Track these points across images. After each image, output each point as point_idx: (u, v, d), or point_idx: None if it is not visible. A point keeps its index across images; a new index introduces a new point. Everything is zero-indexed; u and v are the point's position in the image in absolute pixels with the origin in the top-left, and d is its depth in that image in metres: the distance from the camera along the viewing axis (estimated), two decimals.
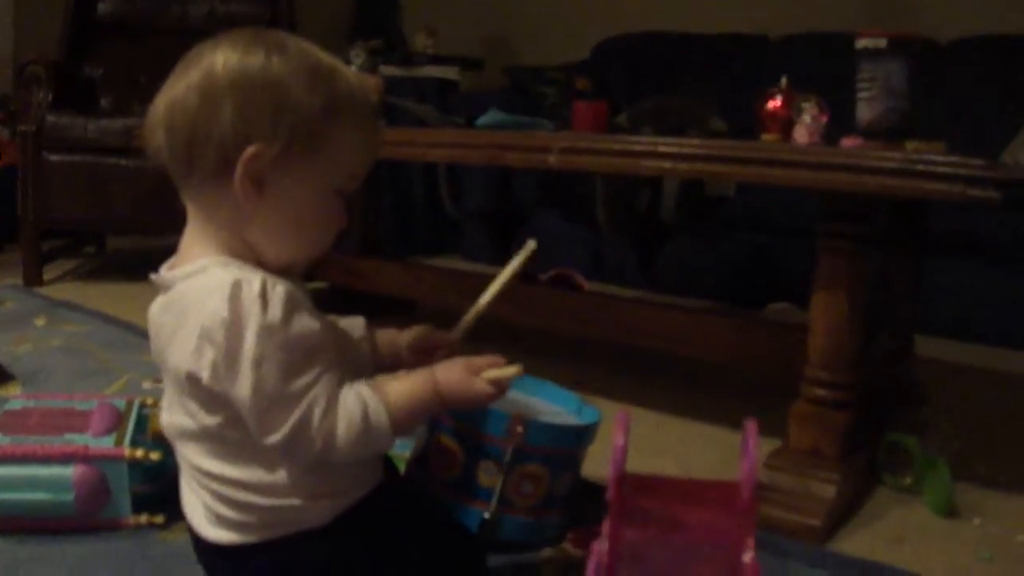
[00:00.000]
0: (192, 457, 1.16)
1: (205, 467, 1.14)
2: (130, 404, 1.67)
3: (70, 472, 1.48)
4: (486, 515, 1.36)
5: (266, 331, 1.04)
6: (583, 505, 1.48)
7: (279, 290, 1.06)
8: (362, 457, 1.15)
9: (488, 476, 1.36)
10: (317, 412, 1.07)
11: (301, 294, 1.12)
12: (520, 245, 1.42)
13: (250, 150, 1.08)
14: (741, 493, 0.84)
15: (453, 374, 1.19)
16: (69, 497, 1.47)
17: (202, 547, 1.20)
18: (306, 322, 1.08)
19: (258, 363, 1.04)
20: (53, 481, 1.48)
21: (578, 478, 1.48)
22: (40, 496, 1.48)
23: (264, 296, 1.05)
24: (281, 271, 1.14)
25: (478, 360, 1.20)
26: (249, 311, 1.04)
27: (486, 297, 1.40)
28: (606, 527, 0.90)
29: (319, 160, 1.13)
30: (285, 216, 1.14)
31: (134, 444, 1.51)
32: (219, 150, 1.09)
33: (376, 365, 1.38)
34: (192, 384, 1.08)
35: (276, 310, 1.05)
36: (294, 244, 1.17)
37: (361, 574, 1.18)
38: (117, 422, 1.59)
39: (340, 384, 1.11)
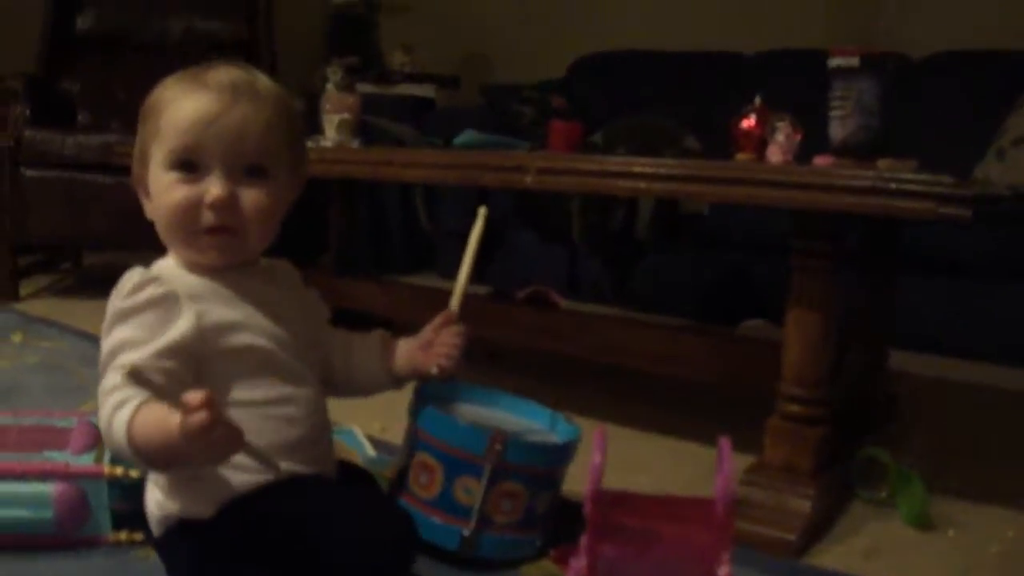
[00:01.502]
0: None
1: None
2: None
3: (50, 489, 1.48)
4: (465, 532, 1.37)
5: (114, 313, 1.19)
6: (564, 523, 1.49)
7: (147, 291, 1.19)
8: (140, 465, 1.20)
9: (467, 494, 1.37)
10: (102, 392, 1.14)
11: (189, 290, 1.24)
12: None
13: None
14: (716, 509, 0.86)
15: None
16: (49, 514, 1.47)
17: None
18: (139, 326, 1.18)
19: (105, 331, 1.19)
20: (32, 498, 1.48)
21: (558, 496, 1.49)
22: (19, 513, 1.47)
23: (131, 286, 1.20)
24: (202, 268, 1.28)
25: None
26: (115, 293, 1.20)
27: (464, 271, 1.49)
28: (584, 543, 0.92)
29: (157, 138, 1.26)
30: (156, 211, 1.29)
31: (113, 462, 1.51)
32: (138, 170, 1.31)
33: (394, 376, 1.46)
34: None
35: (128, 302, 1.18)
36: (169, 236, 1.29)
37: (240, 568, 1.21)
38: (96, 440, 1.59)
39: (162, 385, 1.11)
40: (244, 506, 1.20)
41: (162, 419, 1.04)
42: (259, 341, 1.26)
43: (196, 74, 1.26)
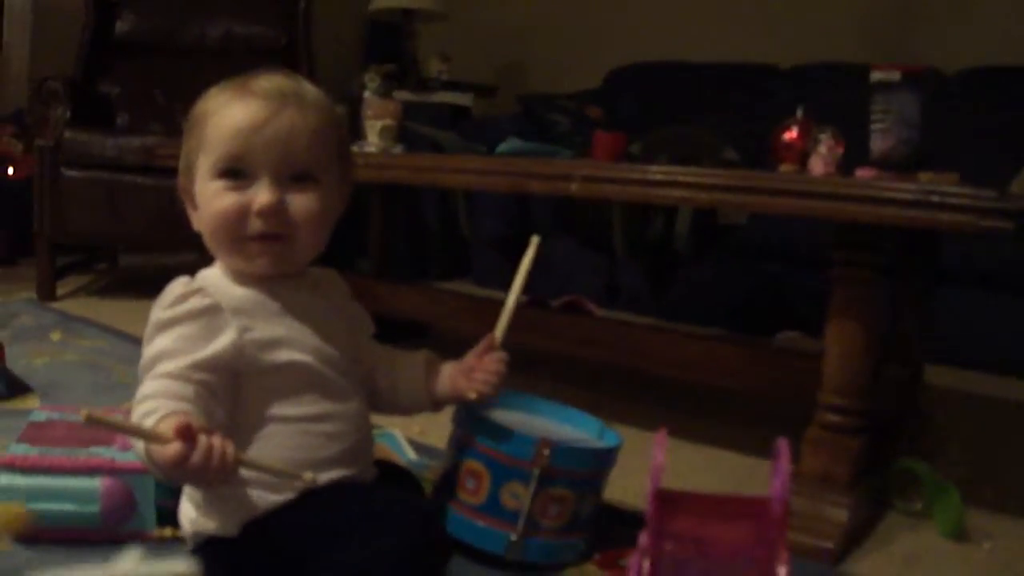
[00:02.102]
0: None
1: None
2: None
3: (97, 484, 1.50)
4: (512, 537, 1.38)
5: (156, 322, 1.19)
6: (608, 527, 1.50)
7: (191, 302, 1.20)
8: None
9: (514, 499, 1.38)
10: (136, 400, 1.13)
11: (234, 302, 1.23)
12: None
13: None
14: (773, 508, 0.87)
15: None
16: (95, 509, 1.48)
17: None
18: (179, 337, 1.18)
19: (146, 339, 1.20)
20: (80, 493, 1.49)
21: (600, 500, 1.50)
22: (67, 507, 1.49)
23: (175, 296, 1.21)
24: (250, 278, 1.27)
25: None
26: (159, 302, 1.21)
27: (511, 297, 1.44)
28: (643, 542, 0.93)
29: (204, 149, 1.26)
30: (203, 222, 1.28)
31: None
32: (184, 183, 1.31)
33: (435, 400, 1.45)
34: None
35: (170, 312, 1.19)
36: (216, 246, 1.28)
37: None
38: None
39: (196, 397, 1.13)
40: (267, 525, 1.20)
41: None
42: (302, 357, 1.25)
43: (241, 82, 1.26)
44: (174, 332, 1.18)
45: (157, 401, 1.10)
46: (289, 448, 1.19)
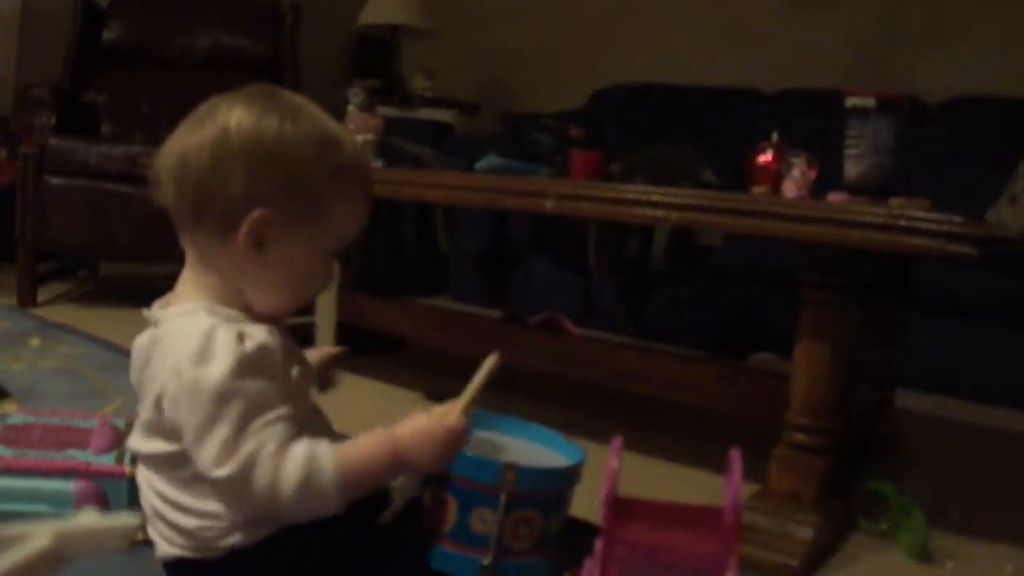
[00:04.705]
0: (154, 482, 1.20)
1: (163, 491, 1.19)
2: (130, 424, 1.69)
3: (71, 487, 1.52)
4: (484, 562, 1.39)
5: (230, 375, 1.08)
6: (578, 542, 1.51)
7: (253, 342, 1.12)
8: (309, 515, 1.13)
9: (483, 524, 1.39)
10: (266, 452, 1.08)
11: (276, 345, 1.17)
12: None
13: (256, 213, 1.16)
14: (726, 517, 0.89)
15: (413, 422, 1.18)
16: (68, 512, 1.49)
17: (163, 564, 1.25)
18: (267, 377, 1.12)
19: (219, 400, 1.08)
20: (54, 495, 1.51)
21: (566, 515, 1.51)
22: (40, 509, 1.50)
23: (237, 342, 1.11)
24: (267, 318, 1.22)
25: (438, 408, 1.20)
26: (219, 353, 1.09)
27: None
28: (598, 547, 0.95)
29: (318, 224, 1.21)
30: (281, 274, 1.21)
31: (134, 463, 1.54)
32: (227, 209, 1.16)
33: None
34: (159, 411, 1.13)
35: (241, 360, 1.10)
36: (285, 297, 1.24)
37: None
38: (118, 440, 1.63)
39: (295, 436, 1.12)
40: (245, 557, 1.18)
41: (383, 441, 1.16)
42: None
43: (364, 177, 1.26)
44: (256, 378, 1.12)
45: (301, 446, 1.12)
46: None
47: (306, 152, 1.18)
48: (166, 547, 1.21)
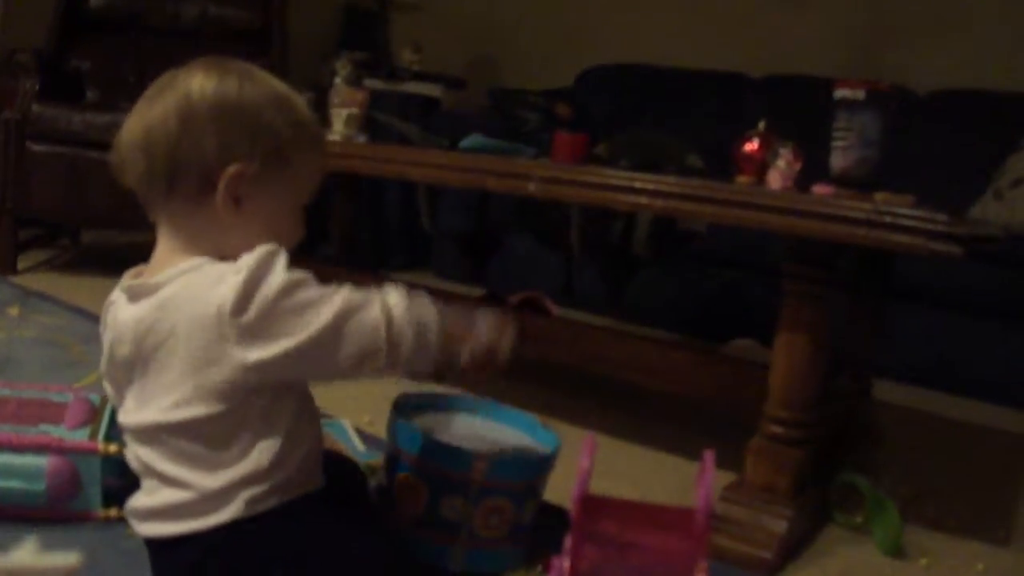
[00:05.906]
0: (154, 460, 1.19)
1: (161, 467, 1.18)
2: (105, 399, 1.69)
3: (43, 463, 1.50)
4: (454, 549, 1.39)
5: (288, 274, 1.13)
6: (553, 531, 1.51)
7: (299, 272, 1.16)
8: (416, 358, 1.19)
9: (453, 512, 1.38)
10: (358, 297, 1.16)
11: None
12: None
13: (231, 170, 1.18)
14: (696, 519, 0.89)
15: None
16: (41, 487, 1.49)
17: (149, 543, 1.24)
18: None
19: (294, 286, 1.12)
20: (26, 470, 1.50)
21: (539, 504, 1.51)
22: (12, 484, 1.49)
23: (279, 268, 1.14)
24: None
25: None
26: (267, 269, 1.12)
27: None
28: (567, 544, 0.95)
29: (286, 177, 1.24)
30: (258, 228, 1.22)
31: (108, 439, 1.54)
32: (202, 170, 1.18)
33: None
34: (211, 366, 1.12)
35: (291, 281, 1.13)
36: None
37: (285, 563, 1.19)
38: (92, 416, 1.62)
39: None
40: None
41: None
42: None
43: (318, 132, 1.32)
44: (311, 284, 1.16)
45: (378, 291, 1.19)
46: (309, 439, 1.23)
47: (268, 108, 1.22)
48: (158, 526, 1.20)
